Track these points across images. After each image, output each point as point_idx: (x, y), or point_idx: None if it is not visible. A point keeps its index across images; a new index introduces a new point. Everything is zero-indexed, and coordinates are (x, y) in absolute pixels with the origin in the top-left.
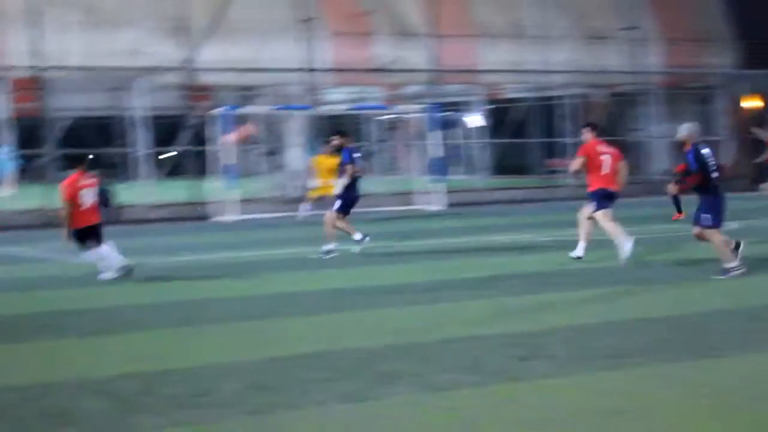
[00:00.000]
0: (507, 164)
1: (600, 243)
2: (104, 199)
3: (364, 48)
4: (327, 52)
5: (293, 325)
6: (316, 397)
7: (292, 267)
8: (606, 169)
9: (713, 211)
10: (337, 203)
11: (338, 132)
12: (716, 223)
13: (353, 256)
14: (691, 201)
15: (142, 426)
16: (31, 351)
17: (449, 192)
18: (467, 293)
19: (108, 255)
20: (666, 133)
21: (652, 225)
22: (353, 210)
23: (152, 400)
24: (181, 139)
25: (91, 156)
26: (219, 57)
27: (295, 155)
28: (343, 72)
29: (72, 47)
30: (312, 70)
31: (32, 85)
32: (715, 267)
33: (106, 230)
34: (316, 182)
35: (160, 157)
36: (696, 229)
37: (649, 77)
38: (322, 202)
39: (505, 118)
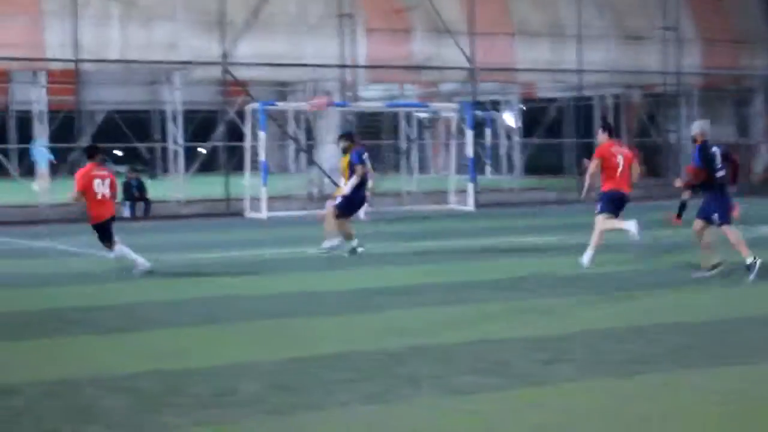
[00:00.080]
0: (541, 164)
1: (622, 247)
2: (136, 192)
3: (400, 45)
4: (363, 49)
5: (317, 324)
6: (338, 397)
7: (319, 265)
8: (620, 171)
9: (721, 209)
10: (340, 201)
11: (346, 134)
12: (725, 221)
13: (377, 256)
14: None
15: (165, 425)
16: (53, 347)
17: (481, 192)
18: (492, 295)
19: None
20: None
21: (681, 228)
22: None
23: (174, 399)
24: (216, 134)
25: (94, 146)
26: (255, 52)
27: (328, 152)
28: (379, 69)
29: (109, 40)
30: (348, 66)
31: (69, 78)
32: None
33: (139, 225)
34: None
35: (199, 149)
36: (698, 224)
37: (685, 78)
38: None
39: (540, 117)
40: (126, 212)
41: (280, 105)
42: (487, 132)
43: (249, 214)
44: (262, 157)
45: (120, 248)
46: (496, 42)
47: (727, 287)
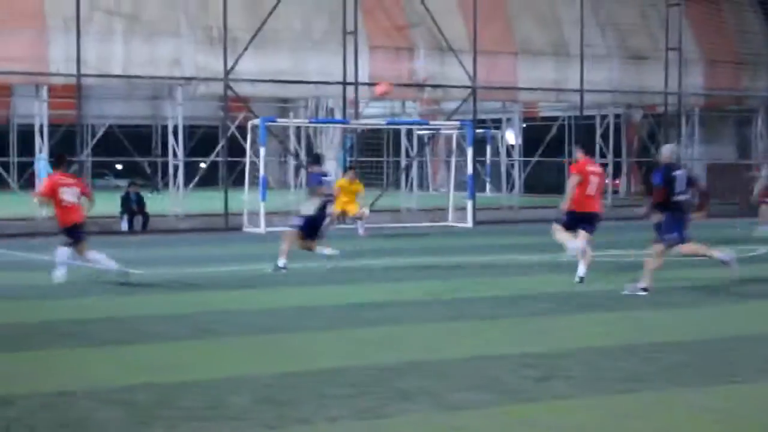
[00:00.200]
0: (540, 183)
1: (622, 266)
2: (134, 206)
3: (403, 62)
4: (365, 66)
5: (313, 339)
6: (329, 412)
7: (316, 280)
8: (592, 191)
9: (677, 228)
10: (300, 221)
11: (313, 156)
12: (682, 238)
13: (376, 272)
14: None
15: None
16: (45, 359)
17: (480, 209)
18: (488, 312)
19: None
20: (702, 156)
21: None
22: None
23: (167, 412)
24: (217, 149)
25: (61, 155)
26: (258, 68)
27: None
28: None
29: (112, 55)
30: (350, 83)
31: (71, 92)
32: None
33: (136, 239)
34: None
35: (201, 165)
36: (658, 248)
37: (687, 98)
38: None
39: (541, 135)
40: (124, 226)
41: (282, 121)
42: (488, 149)
43: (247, 228)
44: (262, 172)
45: (96, 256)
46: (499, 61)
47: (721, 305)
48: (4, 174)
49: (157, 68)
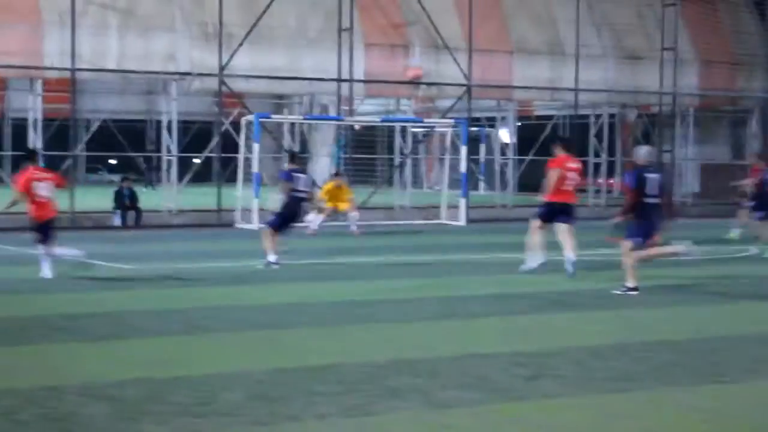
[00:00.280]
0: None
1: (608, 264)
2: (127, 201)
3: (398, 60)
4: (361, 63)
5: (305, 335)
6: (319, 409)
7: (307, 277)
8: (569, 186)
9: (642, 232)
10: (273, 218)
11: (289, 153)
12: (638, 242)
13: (369, 269)
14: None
15: None
16: (36, 354)
17: (473, 207)
18: (479, 310)
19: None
20: (696, 156)
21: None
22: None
23: (156, 408)
24: (211, 145)
25: (33, 150)
26: (253, 64)
27: (322, 165)
28: (376, 83)
29: (107, 50)
30: (345, 80)
31: (65, 86)
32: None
33: (129, 234)
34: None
35: (194, 160)
36: (627, 245)
37: (682, 98)
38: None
39: (535, 134)
40: (117, 221)
41: (276, 117)
42: (482, 148)
43: (240, 224)
44: (255, 168)
45: (60, 250)
46: (494, 59)
47: (710, 305)
48: None
49: (151, 63)
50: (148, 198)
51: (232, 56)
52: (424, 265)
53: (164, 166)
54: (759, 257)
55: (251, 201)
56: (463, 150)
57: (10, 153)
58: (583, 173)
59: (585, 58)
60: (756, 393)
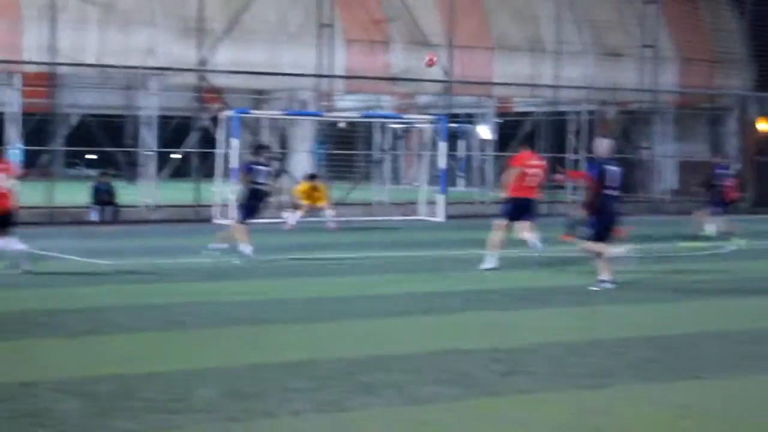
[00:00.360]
0: None
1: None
2: (105, 196)
3: (378, 56)
4: (341, 59)
5: (281, 332)
6: (293, 405)
7: (284, 273)
8: (531, 182)
9: (598, 225)
10: (238, 212)
11: (257, 146)
12: (595, 238)
13: (346, 265)
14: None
15: (116, 429)
16: (12, 350)
17: (452, 203)
18: (457, 306)
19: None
20: (675, 153)
21: (650, 243)
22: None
23: (129, 404)
24: (189, 140)
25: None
26: (233, 59)
27: (301, 161)
28: (356, 79)
29: (87, 44)
30: (325, 76)
31: (44, 81)
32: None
33: (107, 230)
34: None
35: (172, 156)
36: (588, 245)
37: (661, 96)
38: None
39: (515, 131)
40: (94, 216)
41: (255, 113)
42: (461, 144)
43: (218, 220)
44: (233, 164)
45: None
46: (475, 55)
47: (687, 302)
48: None
49: (131, 58)
50: (125, 193)
51: (212, 51)
52: (401, 261)
53: (141, 162)
54: (737, 252)
55: (229, 197)
56: (442, 146)
57: None
58: (548, 170)
59: (565, 55)
60: (733, 389)
